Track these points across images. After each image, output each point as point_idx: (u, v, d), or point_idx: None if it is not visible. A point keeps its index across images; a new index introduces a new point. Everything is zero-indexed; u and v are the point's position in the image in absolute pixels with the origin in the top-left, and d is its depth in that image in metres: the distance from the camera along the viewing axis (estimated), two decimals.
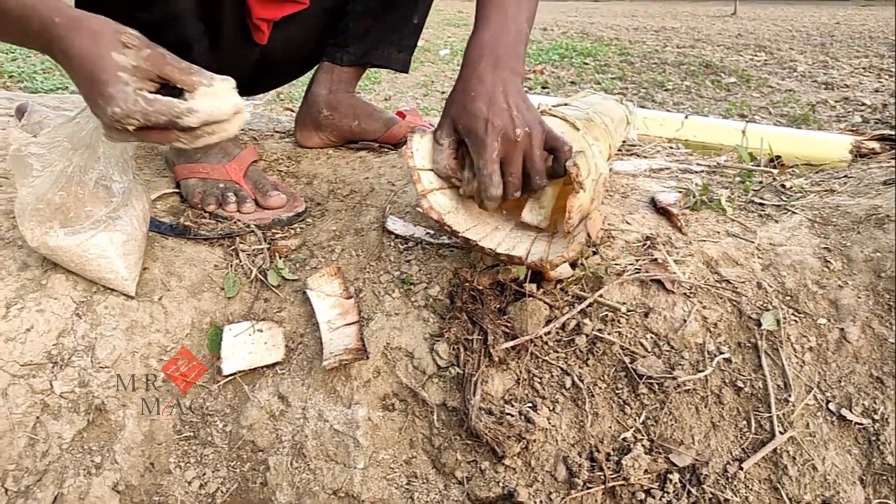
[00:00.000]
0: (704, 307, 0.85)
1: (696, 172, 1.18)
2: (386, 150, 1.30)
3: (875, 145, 1.37)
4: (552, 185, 0.82)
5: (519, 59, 0.84)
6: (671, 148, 1.45)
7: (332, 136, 1.28)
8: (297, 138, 1.30)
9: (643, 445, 0.78)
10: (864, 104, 3.57)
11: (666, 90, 4.17)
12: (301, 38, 1.18)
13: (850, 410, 0.77)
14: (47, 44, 0.68)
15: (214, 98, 0.70)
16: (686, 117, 1.80)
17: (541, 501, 0.77)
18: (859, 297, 0.83)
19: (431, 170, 0.84)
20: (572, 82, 4.44)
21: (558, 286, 0.88)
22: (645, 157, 1.29)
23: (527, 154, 0.79)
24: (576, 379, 0.82)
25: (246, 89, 1.12)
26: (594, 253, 0.91)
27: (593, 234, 0.82)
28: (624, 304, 0.85)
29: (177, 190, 1.08)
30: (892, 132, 1.35)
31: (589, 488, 0.76)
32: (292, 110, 3.12)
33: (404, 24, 1.21)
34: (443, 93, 4.04)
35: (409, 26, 1.22)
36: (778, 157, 1.23)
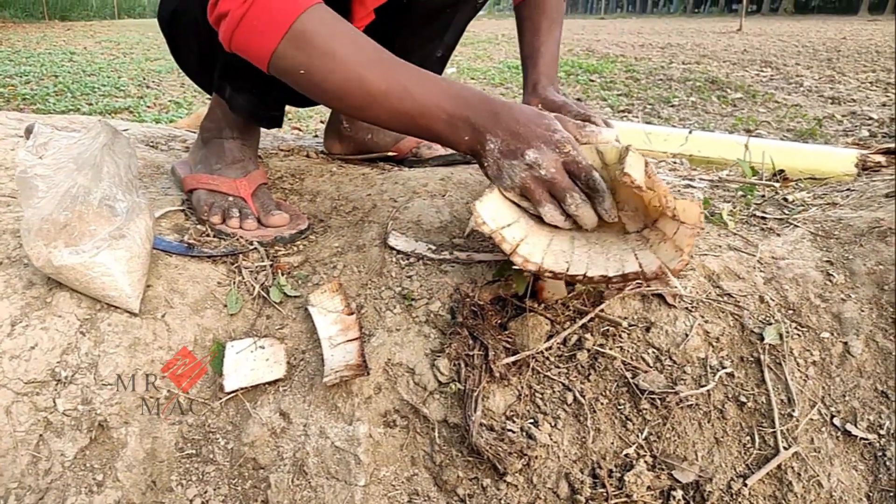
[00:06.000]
0: (706, 321, 0.84)
1: (699, 187, 1.18)
2: (389, 166, 1.31)
3: (881, 159, 1.37)
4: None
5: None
6: (674, 163, 1.45)
7: (349, 146, 1.40)
8: (325, 144, 1.45)
9: (646, 461, 0.78)
10: (871, 118, 3.56)
11: (672, 106, 4.18)
12: None
13: (856, 425, 0.76)
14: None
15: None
16: (690, 132, 1.81)
17: None
18: (862, 311, 0.83)
19: (508, 225, 0.81)
20: (578, 99, 4.46)
21: (559, 301, 0.88)
22: None
23: (568, 168, 0.80)
24: (577, 394, 0.81)
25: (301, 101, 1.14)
26: None
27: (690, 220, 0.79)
28: (625, 318, 0.85)
29: (181, 207, 1.09)
30: None
31: None
32: (299, 129, 3.15)
33: (426, 60, 1.19)
34: None
35: (431, 60, 1.21)
36: (781, 170, 1.23)
